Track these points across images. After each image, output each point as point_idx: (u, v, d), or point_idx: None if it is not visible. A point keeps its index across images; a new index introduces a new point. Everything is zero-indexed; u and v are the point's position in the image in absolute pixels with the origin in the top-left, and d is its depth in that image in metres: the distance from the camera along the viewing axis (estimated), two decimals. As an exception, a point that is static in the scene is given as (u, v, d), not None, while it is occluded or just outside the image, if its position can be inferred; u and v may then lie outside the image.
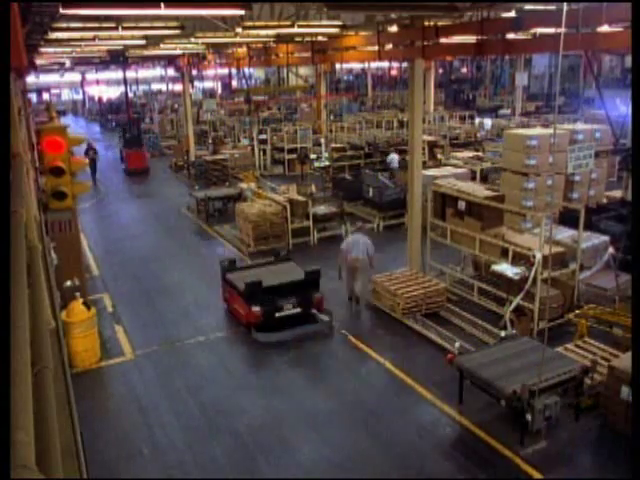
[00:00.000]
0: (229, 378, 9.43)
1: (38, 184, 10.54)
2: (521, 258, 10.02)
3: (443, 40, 11.71)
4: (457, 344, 9.24)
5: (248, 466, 7.33)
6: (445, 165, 19.11)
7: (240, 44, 21.28)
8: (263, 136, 26.08)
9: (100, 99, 57.39)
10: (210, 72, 42.72)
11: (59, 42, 15.75)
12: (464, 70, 55.23)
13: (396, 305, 10.97)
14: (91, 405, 8.65)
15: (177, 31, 11.92)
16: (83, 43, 16.19)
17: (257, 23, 12.78)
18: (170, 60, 30.30)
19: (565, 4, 7.05)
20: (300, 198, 16.33)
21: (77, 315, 9.71)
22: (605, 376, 7.81)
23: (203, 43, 18.86)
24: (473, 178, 17.13)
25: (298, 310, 10.70)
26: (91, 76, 59.11)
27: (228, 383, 9.27)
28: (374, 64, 50.49)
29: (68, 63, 32.48)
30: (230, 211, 18.02)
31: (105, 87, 60.03)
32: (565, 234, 11.14)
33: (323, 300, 11.09)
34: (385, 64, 53.75)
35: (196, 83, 41.82)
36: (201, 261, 15.17)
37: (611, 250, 11.27)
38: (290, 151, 25.21)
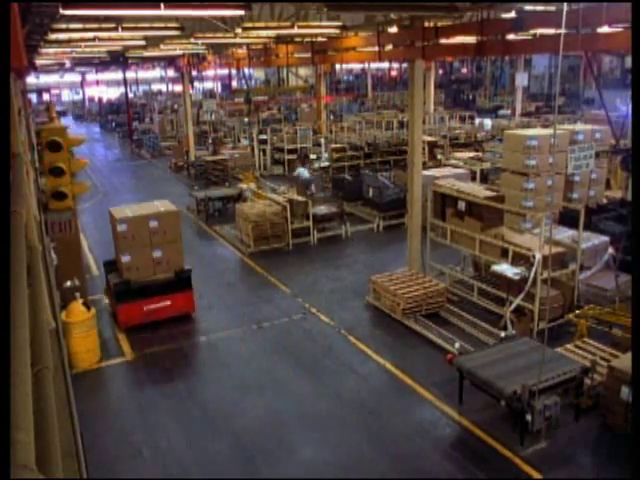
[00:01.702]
0: (229, 378, 9.43)
1: (38, 184, 10.54)
2: (521, 258, 10.02)
3: (443, 41, 11.72)
4: (457, 344, 9.24)
5: (248, 466, 7.34)
6: (445, 165, 19.12)
7: (240, 45, 21.30)
8: (263, 136, 26.09)
9: (100, 100, 57.44)
10: (210, 73, 42.73)
11: (59, 43, 15.76)
12: (464, 70, 55.27)
13: (396, 305, 10.97)
14: (91, 405, 8.65)
15: (177, 32, 11.93)
16: (83, 44, 16.21)
17: (257, 24, 12.79)
18: (170, 61, 30.33)
19: (565, 4, 7.06)
20: (300, 198, 16.34)
21: (77, 315, 9.71)
22: (605, 376, 7.81)
23: (203, 44, 18.88)
24: (473, 178, 17.13)
25: None
26: (91, 77, 59.19)
27: (228, 383, 9.27)
28: (374, 65, 50.53)
29: (68, 64, 32.54)
30: (230, 211, 18.03)
31: (105, 88, 60.10)
32: (565, 234, 11.14)
33: None
34: (385, 65, 53.79)
35: (196, 84, 41.85)
36: (201, 261, 15.16)
37: (611, 250, 11.27)
38: (290, 151, 25.22)
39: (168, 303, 11.13)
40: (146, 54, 24.01)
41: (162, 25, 11.67)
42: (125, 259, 10.83)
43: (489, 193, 11.28)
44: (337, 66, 47.69)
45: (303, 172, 20.70)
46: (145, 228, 10.94)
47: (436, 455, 7.44)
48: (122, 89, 42.02)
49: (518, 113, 31.33)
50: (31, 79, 45.86)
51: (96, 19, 11.40)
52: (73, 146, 10.57)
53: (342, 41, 16.05)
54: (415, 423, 8.11)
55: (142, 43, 16.65)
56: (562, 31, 6.66)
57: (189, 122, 27.19)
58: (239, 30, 12.66)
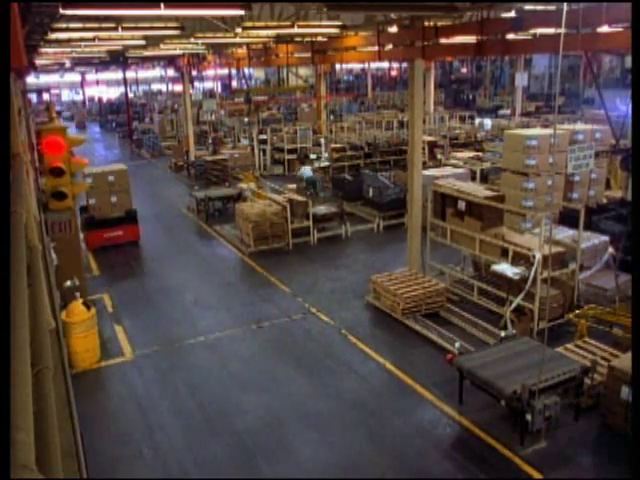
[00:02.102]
0: (229, 378, 9.43)
1: (38, 184, 10.54)
2: (521, 258, 10.02)
3: (443, 40, 11.71)
4: (457, 344, 9.24)
5: (248, 466, 7.33)
6: (445, 165, 19.12)
7: (240, 44, 21.29)
8: (263, 136, 26.08)
9: (100, 99, 57.42)
10: (210, 72, 42.73)
11: (59, 42, 15.76)
12: (464, 70, 55.26)
13: (396, 305, 10.97)
14: (91, 405, 8.65)
15: (177, 31, 11.92)
16: (83, 43, 16.20)
17: (257, 23, 12.78)
18: (170, 60, 30.30)
19: (565, 4, 7.05)
20: (300, 198, 16.34)
21: (77, 315, 9.72)
22: (605, 376, 7.81)
23: (203, 43, 18.87)
24: (473, 178, 17.13)
25: None
26: (91, 76, 59.19)
27: (228, 383, 9.27)
28: (374, 64, 50.50)
29: (68, 63, 32.51)
30: (230, 211, 18.04)
31: (105, 87, 60.09)
32: (565, 234, 11.15)
33: None
34: (385, 64, 53.80)
35: (196, 83, 41.82)
36: (201, 261, 15.17)
37: (611, 250, 11.27)
38: (290, 151, 25.22)
39: (120, 233, 15.98)
40: (146, 54, 24.01)
41: (162, 25, 11.66)
42: (91, 202, 15.85)
43: (489, 193, 11.28)
44: (337, 66, 47.70)
45: (306, 171, 20.70)
46: (105, 181, 15.87)
47: (436, 455, 7.44)
48: (122, 89, 42.02)
49: (518, 113, 31.33)
50: (31, 79, 45.85)
51: (96, 19, 11.39)
52: (74, 146, 10.57)
53: (342, 41, 16.05)
54: (415, 423, 8.11)
55: (142, 43, 16.64)
56: (562, 31, 6.66)
57: (189, 122, 27.19)
58: (239, 30, 12.66)
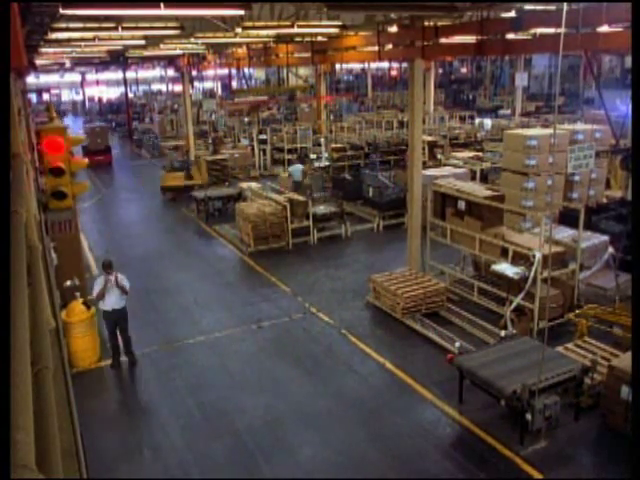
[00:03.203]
0: (229, 378, 9.43)
1: (38, 184, 10.55)
2: (521, 258, 10.02)
3: (443, 40, 11.71)
4: (457, 344, 9.24)
5: (248, 465, 7.34)
6: (445, 165, 19.12)
7: (240, 44, 21.29)
8: (263, 136, 26.07)
9: (100, 99, 57.41)
10: (210, 72, 42.71)
11: (59, 42, 15.76)
12: (464, 70, 55.26)
13: (396, 305, 10.98)
14: (91, 405, 8.65)
15: (177, 31, 11.92)
16: (83, 43, 16.20)
17: (257, 23, 12.78)
18: (170, 60, 30.31)
19: (565, 4, 7.05)
20: (300, 198, 16.33)
21: (77, 315, 9.72)
22: (605, 376, 7.81)
23: (203, 43, 18.87)
24: (473, 178, 17.13)
25: None
26: (91, 77, 59.19)
27: (228, 383, 9.27)
28: (374, 64, 50.49)
29: (68, 63, 32.51)
30: (230, 211, 18.04)
31: (105, 88, 60.09)
32: (565, 234, 11.15)
33: None
34: (385, 64, 53.78)
35: (196, 83, 41.79)
36: (200, 261, 15.17)
37: (611, 250, 11.27)
38: (290, 151, 25.20)
39: (102, 157, 29.00)
40: (146, 54, 24.02)
41: (162, 25, 11.66)
42: (86, 143, 28.10)
43: (489, 193, 11.28)
44: (337, 66, 47.66)
45: (296, 171, 20.51)
46: (95, 131, 29.83)
47: (436, 455, 7.44)
48: (122, 89, 42.03)
49: (518, 113, 31.32)
50: (31, 79, 45.84)
51: (96, 19, 11.39)
52: (73, 146, 10.58)
53: (342, 41, 16.05)
54: (415, 422, 8.11)
55: (142, 43, 16.64)
56: (562, 31, 6.66)
57: (189, 122, 27.18)
58: (239, 30, 12.66)
